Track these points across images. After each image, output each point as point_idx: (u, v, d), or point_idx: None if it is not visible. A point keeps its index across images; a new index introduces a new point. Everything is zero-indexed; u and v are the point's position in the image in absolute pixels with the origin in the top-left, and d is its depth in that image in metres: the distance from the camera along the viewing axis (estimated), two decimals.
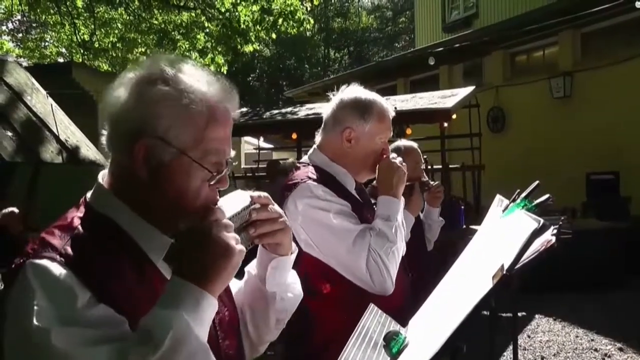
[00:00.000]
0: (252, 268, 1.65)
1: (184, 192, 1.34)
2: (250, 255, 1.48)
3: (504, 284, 1.43)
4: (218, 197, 1.42)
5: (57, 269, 1.20)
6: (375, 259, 2.31)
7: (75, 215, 1.36)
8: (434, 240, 4.14)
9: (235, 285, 1.67)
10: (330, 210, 2.38)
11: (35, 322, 1.11)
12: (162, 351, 1.09)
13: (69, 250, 1.24)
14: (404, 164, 2.55)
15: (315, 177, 2.48)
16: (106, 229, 1.33)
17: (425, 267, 3.65)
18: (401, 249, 2.45)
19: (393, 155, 2.58)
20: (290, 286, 1.64)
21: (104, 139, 1.40)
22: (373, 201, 2.65)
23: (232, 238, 1.25)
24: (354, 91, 2.63)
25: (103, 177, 1.42)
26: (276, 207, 1.47)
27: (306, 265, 2.35)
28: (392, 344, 1.62)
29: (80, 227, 1.31)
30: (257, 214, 1.41)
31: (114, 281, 1.24)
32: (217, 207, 1.29)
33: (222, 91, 1.40)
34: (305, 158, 2.71)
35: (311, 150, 2.70)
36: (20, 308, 1.15)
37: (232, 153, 1.44)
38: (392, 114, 2.66)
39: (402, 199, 2.57)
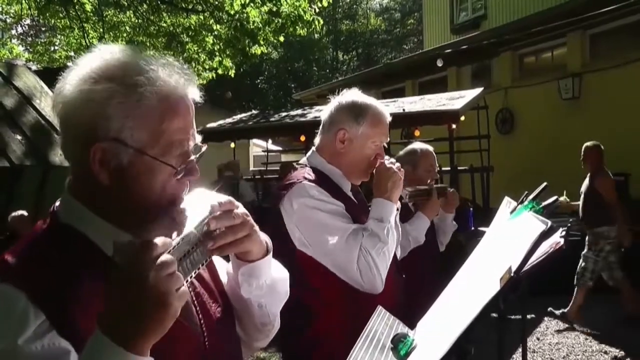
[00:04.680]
0: (230, 268, 1.52)
1: (149, 190, 1.25)
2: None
3: (515, 286, 1.43)
4: (186, 189, 1.32)
5: (9, 295, 1.12)
6: (366, 258, 2.36)
7: (41, 228, 1.30)
8: (446, 243, 4.20)
9: (224, 276, 1.57)
10: (324, 210, 2.44)
11: None
12: None
13: (26, 269, 1.17)
14: (401, 169, 2.59)
15: (311, 177, 2.54)
16: (69, 240, 1.25)
17: (433, 269, 3.70)
18: (392, 250, 2.49)
19: (392, 160, 2.61)
20: (271, 288, 1.51)
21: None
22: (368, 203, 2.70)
23: (172, 281, 1.04)
24: (352, 95, 2.69)
25: (68, 184, 1.33)
26: (241, 209, 1.31)
27: (301, 261, 2.43)
28: (400, 346, 1.61)
29: (41, 243, 1.25)
30: (216, 223, 1.23)
31: (75, 301, 1.15)
32: (155, 241, 1.07)
33: (175, 78, 1.29)
34: (303, 159, 2.77)
35: (309, 152, 2.76)
36: None
37: (199, 138, 1.34)
38: (388, 119, 2.68)
39: (398, 203, 2.61)
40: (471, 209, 7.88)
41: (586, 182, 7.75)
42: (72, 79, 1.25)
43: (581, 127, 11.85)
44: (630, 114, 10.94)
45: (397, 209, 2.65)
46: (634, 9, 10.43)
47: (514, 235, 1.89)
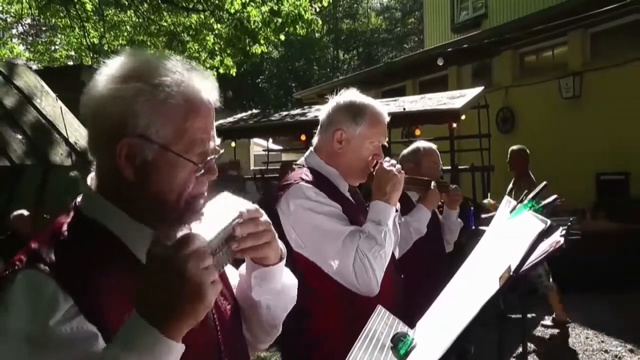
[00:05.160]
0: (242, 270, 1.61)
1: (171, 186, 1.32)
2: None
3: (515, 285, 1.43)
4: (205, 188, 1.39)
5: (39, 280, 1.19)
6: (362, 261, 2.34)
7: (64, 222, 1.34)
8: (454, 241, 4.19)
9: (235, 280, 1.65)
10: (321, 212, 2.42)
11: None
12: None
13: (54, 258, 1.23)
14: (402, 172, 2.57)
15: (308, 178, 2.53)
16: (94, 233, 1.31)
17: (437, 267, 3.68)
18: (389, 253, 2.47)
19: (392, 162, 2.59)
20: (280, 293, 1.59)
21: (84, 142, 1.38)
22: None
23: (207, 274, 1.14)
24: (350, 95, 2.67)
25: (91, 180, 1.40)
26: (264, 218, 1.40)
27: (298, 262, 2.43)
28: (400, 345, 1.61)
29: (66, 234, 1.30)
30: (241, 230, 1.32)
31: (100, 289, 1.21)
32: (194, 234, 1.17)
33: (198, 81, 1.36)
34: (301, 160, 2.75)
35: (307, 152, 2.74)
36: None
37: (218, 141, 1.41)
38: (386, 119, 2.67)
39: (398, 205, 2.60)
40: (472, 208, 7.88)
41: (510, 186, 7.78)
42: (102, 79, 1.32)
43: (582, 126, 11.86)
44: (631, 112, 10.93)
45: (397, 210, 2.65)
46: (635, 8, 10.42)
47: (513, 234, 1.89)
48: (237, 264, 1.57)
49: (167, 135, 1.29)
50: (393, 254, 2.66)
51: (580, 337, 7.03)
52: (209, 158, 1.36)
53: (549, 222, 1.51)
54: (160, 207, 1.32)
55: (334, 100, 2.67)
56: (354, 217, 2.52)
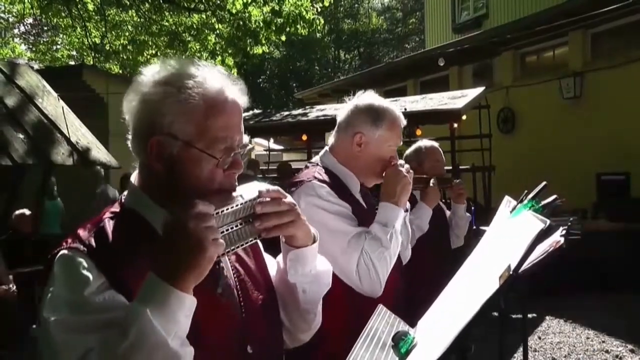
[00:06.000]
0: (280, 258, 1.72)
1: (197, 179, 1.46)
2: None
3: (516, 285, 1.43)
4: (235, 182, 1.53)
5: (78, 258, 1.37)
6: (366, 262, 2.39)
7: (108, 211, 1.54)
8: (463, 235, 4.21)
9: (273, 269, 1.76)
10: (330, 211, 2.46)
11: (44, 311, 1.32)
12: (128, 342, 1.20)
13: (93, 241, 1.41)
14: (410, 172, 2.61)
15: (321, 177, 2.57)
16: (131, 221, 1.49)
17: (442, 264, 3.69)
18: (394, 255, 2.50)
19: (401, 162, 2.63)
20: (316, 277, 1.69)
21: (129, 143, 1.54)
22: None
23: (208, 231, 1.27)
24: (369, 97, 2.71)
25: (135, 177, 1.58)
26: (289, 199, 1.51)
27: None
28: (401, 344, 1.62)
29: (107, 221, 1.48)
30: (261, 208, 1.44)
31: (129, 268, 1.37)
32: (200, 201, 1.31)
33: (221, 83, 1.50)
34: (316, 158, 2.78)
35: (322, 152, 2.78)
36: (44, 296, 1.36)
37: (245, 139, 1.55)
38: (403, 123, 2.72)
39: (408, 204, 2.66)
40: (473, 208, 7.89)
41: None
42: (138, 85, 1.50)
43: (582, 126, 11.86)
44: (632, 113, 10.94)
45: (407, 210, 2.67)
46: (636, 8, 10.42)
47: (513, 234, 1.90)
48: (274, 253, 1.74)
49: (190, 133, 1.44)
50: (398, 256, 2.68)
51: (581, 337, 7.04)
52: (233, 153, 1.49)
53: (548, 221, 1.52)
54: (187, 198, 1.39)
55: (353, 103, 2.71)
56: (363, 218, 2.54)
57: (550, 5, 12.66)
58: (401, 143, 2.75)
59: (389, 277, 2.46)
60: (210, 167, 1.46)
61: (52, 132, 10.57)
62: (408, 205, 2.83)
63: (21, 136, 9.87)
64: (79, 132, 11.06)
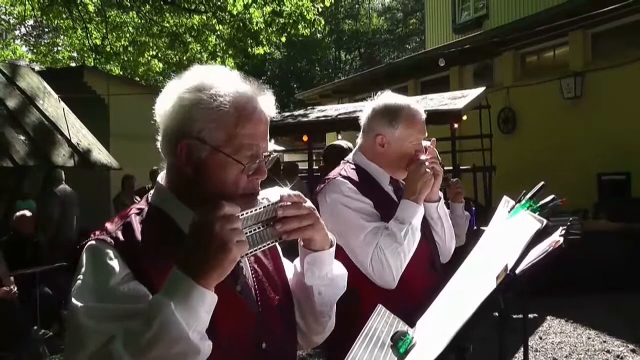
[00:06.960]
0: (297, 262, 1.76)
1: (223, 183, 1.52)
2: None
3: (515, 285, 1.44)
4: (258, 187, 1.59)
5: (106, 249, 1.46)
6: (379, 256, 2.50)
7: (135, 207, 1.62)
8: (464, 234, 4.21)
9: (291, 272, 1.81)
10: (350, 207, 2.59)
11: (72, 297, 1.39)
12: (151, 332, 1.25)
13: (120, 234, 1.50)
14: (434, 166, 2.69)
15: (345, 174, 2.71)
16: (157, 218, 1.57)
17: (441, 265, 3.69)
18: (409, 251, 2.56)
19: (425, 158, 2.70)
20: (332, 280, 1.73)
21: (158, 144, 1.60)
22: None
23: (233, 233, 1.33)
24: (383, 98, 2.80)
25: (162, 177, 1.65)
26: (308, 204, 1.57)
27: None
28: (400, 344, 1.63)
29: (133, 216, 1.56)
30: (283, 211, 1.50)
31: (153, 262, 1.45)
32: (226, 202, 1.36)
33: (250, 92, 1.56)
34: (349, 156, 2.91)
35: (354, 150, 2.91)
36: (72, 283, 1.43)
37: (271, 147, 1.62)
38: (422, 117, 2.78)
39: (440, 193, 2.80)
40: (473, 208, 7.90)
41: None
42: (170, 91, 1.56)
43: (583, 126, 11.86)
44: (632, 113, 10.93)
45: (440, 199, 2.86)
46: (636, 8, 10.41)
47: (511, 233, 1.91)
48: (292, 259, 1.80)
49: (219, 138, 1.50)
50: (431, 251, 2.82)
51: (582, 337, 7.04)
52: (258, 160, 1.55)
53: (545, 221, 1.53)
54: (213, 200, 1.44)
55: (370, 106, 2.80)
56: (389, 211, 2.63)
57: (551, 5, 12.66)
58: (425, 135, 2.82)
59: (417, 275, 2.59)
60: (236, 173, 1.52)
61: (53, 134, 10.60)
62: (441, 194, 2.93)
63: (22, 138, 9.90)
64: (79, 133, 11.09)
